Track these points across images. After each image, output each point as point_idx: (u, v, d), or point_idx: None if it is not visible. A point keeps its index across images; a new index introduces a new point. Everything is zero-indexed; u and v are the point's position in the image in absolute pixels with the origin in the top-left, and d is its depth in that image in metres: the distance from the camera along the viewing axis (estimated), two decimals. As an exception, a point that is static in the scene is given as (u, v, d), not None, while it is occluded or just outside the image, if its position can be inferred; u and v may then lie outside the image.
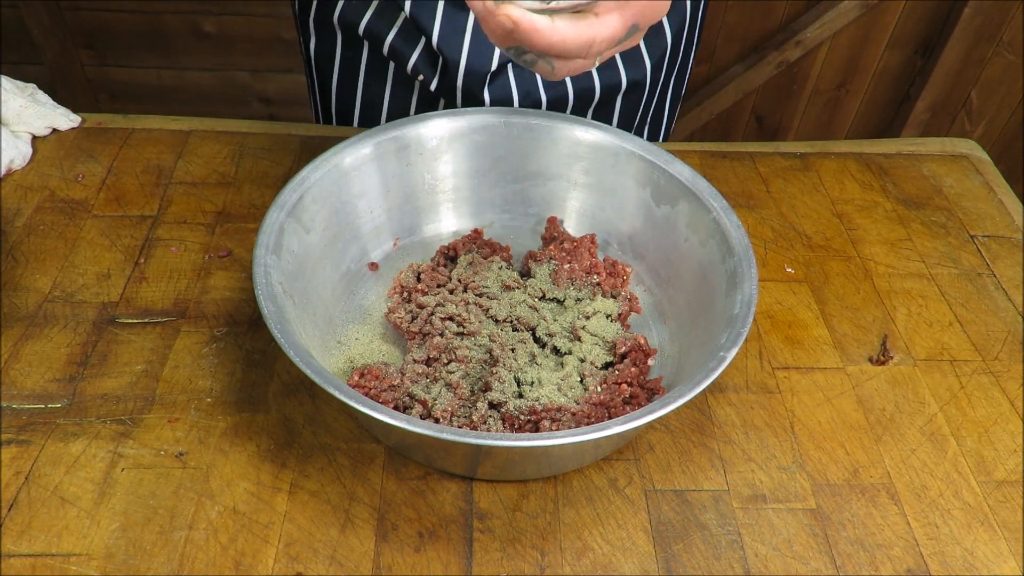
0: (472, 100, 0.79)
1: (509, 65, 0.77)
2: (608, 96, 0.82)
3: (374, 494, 0.53)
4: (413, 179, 0.66)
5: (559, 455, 0.51)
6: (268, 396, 0.58)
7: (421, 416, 0.53)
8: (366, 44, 0.79)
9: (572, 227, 0.69)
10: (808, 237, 0.75)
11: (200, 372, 0.59)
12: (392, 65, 0.80)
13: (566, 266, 0.64)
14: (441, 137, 0.65)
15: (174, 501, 0.51)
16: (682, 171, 0.62)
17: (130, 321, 0.62)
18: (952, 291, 0.71)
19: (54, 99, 0.81)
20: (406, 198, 0.67)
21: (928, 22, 1.76)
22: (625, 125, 0.87)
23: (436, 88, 0.78)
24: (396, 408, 0.54)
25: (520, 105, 0.79)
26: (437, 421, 0.52)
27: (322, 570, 0.49)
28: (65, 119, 0.80)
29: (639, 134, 0.92)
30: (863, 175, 0.83)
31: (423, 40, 0.76)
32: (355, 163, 0.62)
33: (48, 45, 1.77)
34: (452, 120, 0.65)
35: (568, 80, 0.78)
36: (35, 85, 0.81)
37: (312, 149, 0.80)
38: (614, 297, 0.63)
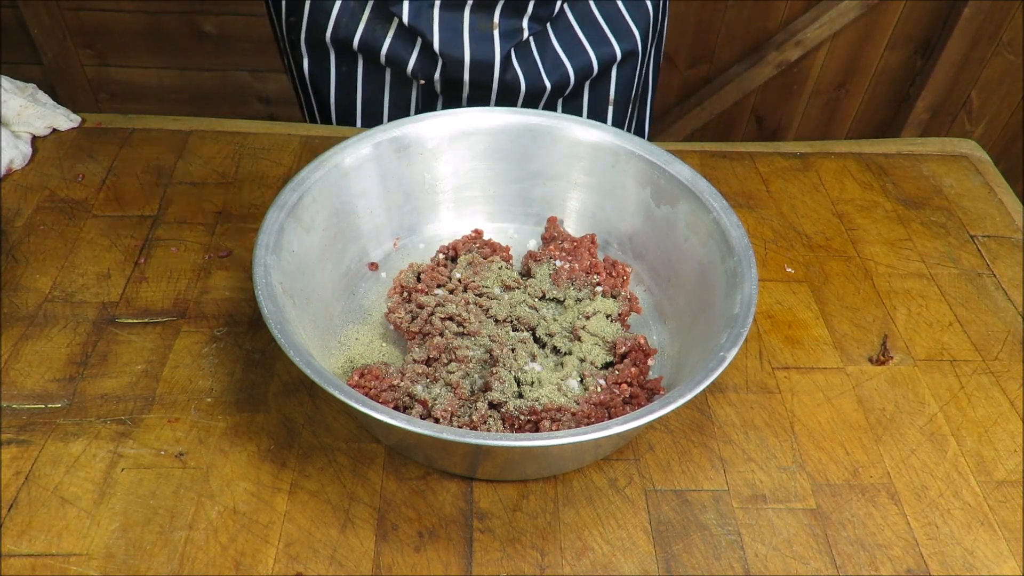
0: (478, 91, 0.80)
1: (513, 52, 0.79)
2: (604, 69, 0.84)
3: (374, 494, 0.53)
4: (413, 179, 0.66)
5: (559, 455, 0.51)
6: (268, 396, 0.58)
7: (421, 416, 0.53)
8: (361, 57, 0.81)
9: (572, 227, 0.69)
10: (808, 237, 0.75)
11: (200, 372, 0.59)
12: (389, 72, 0.82)
13: (566, 266, 0.64)
14: (441, 137, 0.65)
15: (174, 501, 0.51)
16: (682, 171, 0.62)
17: (130, 321, 0.62)
18: (952, 291, 0.71)
19: (54, 99, 0.81)
20: (406, 198, 0.67)
21: (928, 22, 1.76)
22: (623, 99, 0.89)
23: (441, 88, 0.80)
24: (396, 408, 0.53)
25: (527, 90, 0.80)
26: (437, 421, 0.52)
27: (322, 570, 0.49)
28: (65, 119, 0.80)
29: (634, 107, 0.94)
30: (863, 175, 0.83)
31: (419, 43, 0.78)
32: (355, 163, 0.62)
33: (48, 45, 1.77)
34: (452, 120, 0.65)
35: (567, 60, 0.81)
36: (35, 85, 0.81)
37: (312, 149, 0.80)
38: (614, 297, 0.63)
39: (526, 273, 0.66)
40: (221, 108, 1.91)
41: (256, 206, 0.73)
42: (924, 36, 1.79)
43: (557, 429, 0.51)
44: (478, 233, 0.68)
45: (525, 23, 0.78)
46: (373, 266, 0.66)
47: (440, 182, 0.67)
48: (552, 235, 0.68)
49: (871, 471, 0.56)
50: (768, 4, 1.74)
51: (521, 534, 0.51)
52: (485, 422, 0.52)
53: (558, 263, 0.65)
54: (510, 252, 0.67)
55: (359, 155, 0.62)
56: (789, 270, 0.72)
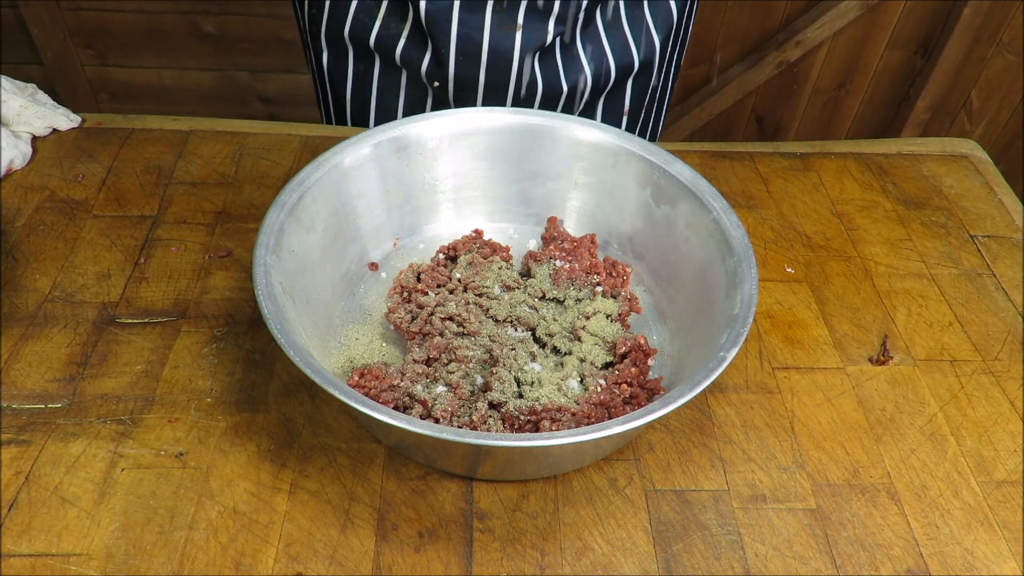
0: (494, 93, 0.79)
1: (536, 55, 0.77)
2: (621, 79, 0.83)
3: (374, 494, 0.53)
4: (413, 179, 0.66)
5: (559, 455, 0.51)
6: (268, 396, 0.58)
7: (421, 416, 0.53)
8: (377, 58, 0.81)
9: (572, 227, 0.69)
10: (808, 237, 0.75)
11: (200, 372, 0.59)
12: (405, 74, 0.81)
13: (566, 266, 0.64)
14: (441, 137, 0.65)
15: (174, 501, 0.51)
16: (682, 171, 0.62)
17: (130, 321, 0.62)
18: (952, 291, 0.71)
19: (54, 99, 0.81)
20: (406, 198, 0.67)
21: (928, 22, 1.76)
22: (636, 108, 0.88)
23: (454, 91, 0.79)
24: (396, 408, 0.54)
25: (543, 93, 0.80)
26: (437, 421, 0.52)
27: (322, 570, 0.49)
28: (65, 119, 0.80)
29: (647, 116, 0.93)
30: (863, 175, 0.83)
31: (430, 48, 0.77)
32: (355, 163, 0.62)
33: (48, 45, 1.77)
34: (452, 120, 0.65)
35: (586, 64, 0.80)
36: (35, 85, 0.81)
37: (312, 149, 0.80)
38: (614, 297, 0.63)
39: (526, 273, 0.66)
40: (221, 108, 1.91)
41: (256, 206, 0.73)
42: (924, 36, 1.79)
43: (557, 429, 0.51)
44: (478, 233, 0.68)
45: (551, 25, 0.75)
46: (373, 266, 0.66)
47: (440, 182, 0.67)
48: (552, 235, 0.68)
49: (871, 471, 0.56)
50: (768, 4, 1.74)
51: (521, 534, 0.51)
52: (485, 422, 0.52)
53: (558, 263, 0.65)
54: (510, 252, 0.67)
55: (359, 155, 0.62)
56: (789, 270, 0.72)
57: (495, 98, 0.80)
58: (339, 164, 0.61)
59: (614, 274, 0.65)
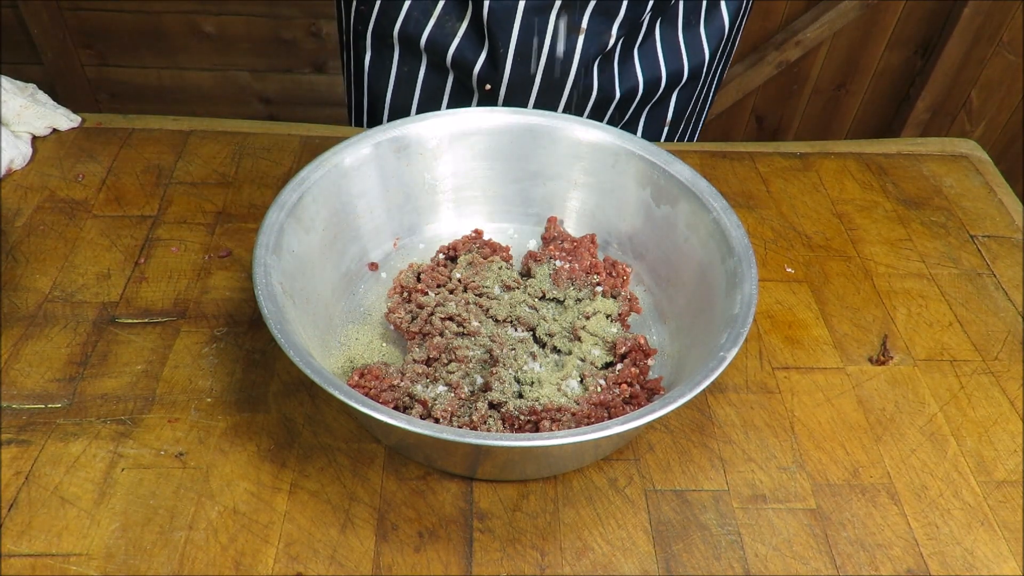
0: (548, 97, 0.78)
1: (596, 60, 0.76)
2: (669, 87, 0.83)
3: (374, 494, 0.53)
4: (413, 179, 0.66)
5: (559, 455, 0.51)
6: (268, 396, 0.58)
7: (421, 416, 0.53)
8: (425, 59, 0.79)
9: (572, 227, 0.69)
10: (808, 237, 0.75)
11: (200, 372, 0.59)
12: (451, 79, 0.80)
13: (566, 266, 0.64)
14: (441, 137, 0.65)
15: (174, 501, 0.51)
16: (682, 171, 0.62)
17: (130, 321, 0.62)
18: (952, 291, 0.71)
19: (54, 99, 0.81)
20: (406, 198, 0.67)
21: (928, 22, 1.76)
22: (678, 120, 0.88)
23: (505, 93, 0.78)
24: (396, 408, 0.54)
25: (596, 99, 0.79)
26: (437, 421, 0.52)
27: (322, 570, 0.49)
28: (65, 119, 0.80)
29: (685, 127, 0.93)
30: (863, 175, 0.83)
31: (487, 45, 0.75)
32: (355, 163, 0.62)
33: (48, 45, 1.77)
34: (452, 120, 0.65)
35: (640, 72, 0.79)
36: (35, 85, 0.81)
37: (312, 149, 0.80)
38: (614, 297, 0.63)
39: (526, 273, 0.66)
40: (221, 108, 1.91)
41: (256, 206, 0.73)
42: (924, 36, 1.79)
43: (557, 429, 0.51)
44: (478, 233, 0.68)
45: (614, 29, 0.74)
46: (373, 266, 0.66)
47: (440, 182, 0.67)
48: (552, 235, 0.68)
49: (871, 471, 0.56)
50: (768, 4, 1.74)
51: (521, 534, 0.51)
52: (485, 422, 0.52)
53: (558, 263, 0.65)
54: (510, 252, 0.67)
55: (359, 155, 0.62)
56: (789, 270, 0.72)
57: (549, 102, 0.79)
58: (339, 164, 0.61)
59: (614, 274, 0.65)
